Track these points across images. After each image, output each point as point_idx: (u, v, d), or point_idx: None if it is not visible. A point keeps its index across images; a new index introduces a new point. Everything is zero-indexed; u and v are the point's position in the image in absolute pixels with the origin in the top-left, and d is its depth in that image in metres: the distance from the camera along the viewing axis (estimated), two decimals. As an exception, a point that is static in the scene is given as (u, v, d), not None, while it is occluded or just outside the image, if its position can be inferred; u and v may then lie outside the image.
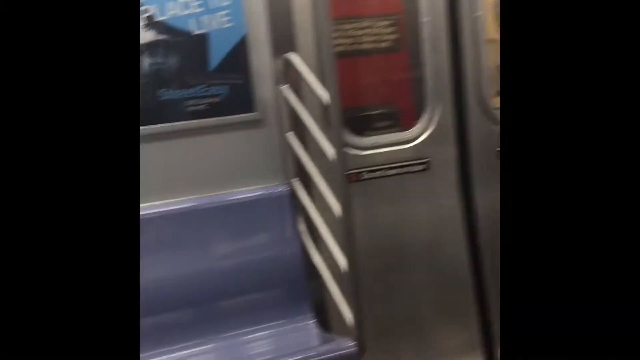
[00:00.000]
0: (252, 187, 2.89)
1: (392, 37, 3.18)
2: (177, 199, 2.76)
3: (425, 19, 3.09)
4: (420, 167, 3.14)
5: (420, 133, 3.15)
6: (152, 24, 2.70)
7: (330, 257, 2.53)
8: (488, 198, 3.28)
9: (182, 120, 2.78)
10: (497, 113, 3.23)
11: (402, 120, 3.22)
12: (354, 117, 3.09)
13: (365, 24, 3.14)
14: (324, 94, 2.36)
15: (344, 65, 3.02)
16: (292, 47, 2.85)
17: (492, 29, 3.26)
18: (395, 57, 3.24)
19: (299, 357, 2.34)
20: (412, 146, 3.13)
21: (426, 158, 3.14)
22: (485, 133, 3.25)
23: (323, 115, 2.91)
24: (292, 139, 2.82)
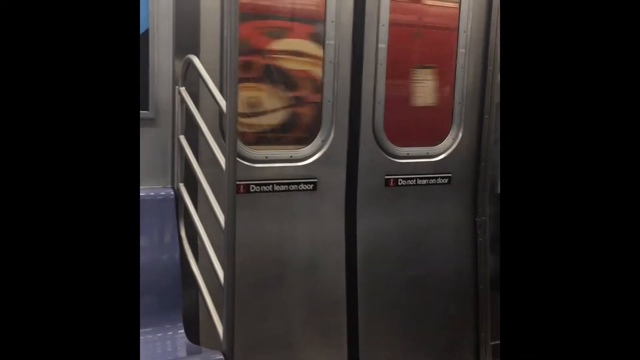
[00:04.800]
0: (136, 187, 2.78)
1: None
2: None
3: (328, 42, 3.14)
4: (308, 187, 3.17)
5: (313, 153, 3.19)
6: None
7: (208, 267, 2.49)
8: (370, 223, 3.37)
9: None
10: (388, 143, 3.35)
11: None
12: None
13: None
14: (222, 102, 2.33)
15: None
16: (195, 50, 2.79)
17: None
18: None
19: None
20: (303, 165, 3.16)
21: (315, 178, 3.18)
22: (375, 160, 3.34)
23: (219, 122, 2.88)
24: (184, 142, 2.76)
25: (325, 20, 3.13)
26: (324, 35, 3.14)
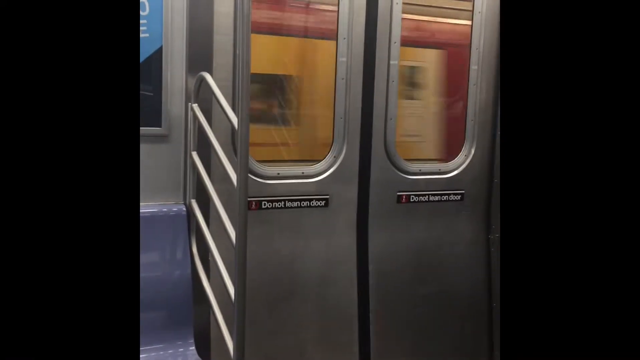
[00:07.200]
0: (148, 203, 2.79)
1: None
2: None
3: (340, 59, 3.16)
4: (320, 203, 3.17)
5: (325, 169, 3.19)
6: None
7: (219, 283, 2.48)
8: (382, 240, 3.35)
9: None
10: (400, 160, 3.34)
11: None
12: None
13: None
14: (233, 119, 2.34)
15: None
16: (208, 67, 2.81)
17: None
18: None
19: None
20: (314, 181, 3.16)
21: (327, 194, 3.18)
22: (387, 176, 3.33)
23: (231, 139, 2.89)
24: (196, 158, 2.77)
25: (337, 38, 3.14)
26: (336, 53, 3.15)
